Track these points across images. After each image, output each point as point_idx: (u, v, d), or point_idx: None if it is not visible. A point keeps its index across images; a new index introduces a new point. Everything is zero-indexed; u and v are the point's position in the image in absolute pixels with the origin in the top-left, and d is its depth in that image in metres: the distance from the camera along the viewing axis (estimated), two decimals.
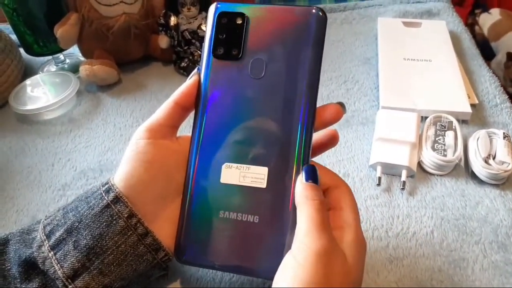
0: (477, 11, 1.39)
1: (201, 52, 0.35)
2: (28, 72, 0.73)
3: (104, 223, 0.31)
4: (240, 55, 0.33)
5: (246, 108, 0.33)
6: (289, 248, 0.29)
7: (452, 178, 0.48)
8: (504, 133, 0.49)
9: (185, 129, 0.36)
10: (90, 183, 0.52)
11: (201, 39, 0.66)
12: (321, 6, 0.84)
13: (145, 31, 0.69)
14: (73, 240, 0.31)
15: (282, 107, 0.32)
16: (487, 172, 0.46)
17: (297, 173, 0.31)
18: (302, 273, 0.27)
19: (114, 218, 0.31)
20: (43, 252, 0.31)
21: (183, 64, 0.68)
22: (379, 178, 0.48)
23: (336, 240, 0.29)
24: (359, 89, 0.63)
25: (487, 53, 1.26)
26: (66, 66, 0.74)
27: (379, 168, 0.48)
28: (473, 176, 0.48)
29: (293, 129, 0.32)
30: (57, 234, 0.32)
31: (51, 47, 0.69)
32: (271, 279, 0.29)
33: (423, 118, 0.54)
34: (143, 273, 0.33)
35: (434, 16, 0.80)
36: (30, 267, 0.32)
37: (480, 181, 0.48)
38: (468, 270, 0.40)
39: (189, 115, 0.35)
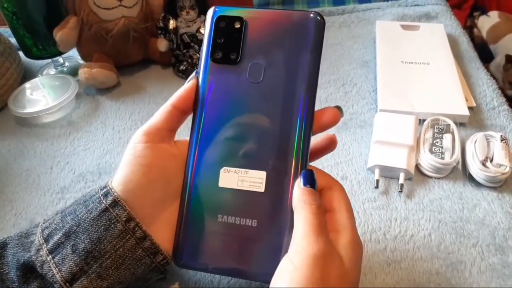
0: (475, 13, 1.39)
1: (199, 55, 0.35)
2: (27, 75, 0.73)
3: (103, 227, 0.31)
4: (239, 59, 0.33)
5: (244, 112, 0.33)
6: (286, 251, 0.29)
7: (450, 181, 0.48)
8: (501, 135, 0.49)
9: (184, 132, 0.36)
10: (88, 186, 0.52)
11: (200, 42, 0.66)
12: (319, 9, 0.84)
13: (144, 35, 0.70)
14: (71, 244, 0.31)
15: (280, 111, 0.32)
16: (484, 175, 0.46)
17: (295, 178, 0.32)
18: (299, 276, 0.27)
19: (112, 221, 0.31)
20: (41, 256, 0.31)
21: (182, 67, 0.68)
22: (377, 181, 0.48)
23: (332, 243, 0.29)
24: (357, 92, 0.63)
25: (486, 56, 1.27)
26: (65, 69, 0.74)
27: (377, 171, 0.48)
28: (471, 178, 0.48)
29: (291, 133, 0.32)
30: (56, 237, 0.32)
31: (50, 50, 0.69)
32: (269, 282, 0.29)
33: (421, 121, 0.54)
34: (141, 277, 0.33)
35: (432, 19, 0.80)
36: (28, 270, 0.32)
37: (477, 184, 0.48)
38: (466, 273, 0.40)
39: (186, 119, 0.35)
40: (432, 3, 0.84)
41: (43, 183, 0.53)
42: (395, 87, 0.60)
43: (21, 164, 0.56)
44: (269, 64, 0.32)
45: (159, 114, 0.34)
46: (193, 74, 0.34)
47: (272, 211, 0.32)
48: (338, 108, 0.33)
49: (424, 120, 0.53)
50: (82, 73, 0.65)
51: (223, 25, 0.33)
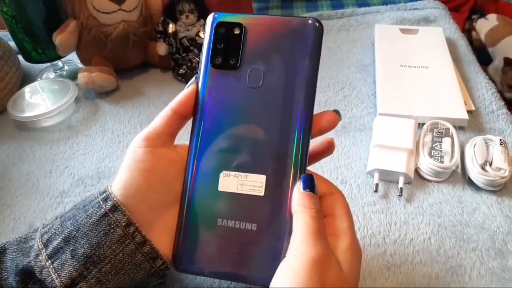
0: (474, 16, 1.40)
1: (199, 59, 0.35)
2: (26, 79, 0.74)
3: (102, 232, 0.31)
4: (238, 64, 0.33)
5: (244, 117, 0.33)
6: (285, 255, 0.29)
7: (449, 185, 0.49)
8: (500, 139, 0.49)
9: (183, 136, 0.36)
10: (88, 190, 0.52)
11: (200, 46, 0.66)
12: (318, 13, 0.84)
13: (143, 38, 0.70)
14: (70, 249, 0.31)
15: (280, 116, 0.32)
16: (484, 179, 0.46)
17: (294, 181, 0.32)
18: (297, 280, 0.27)
19: (112, 226, 0.31)
20: (40, 261, 0.31)
21: (181, 71, 0.68)
22: (377, 185, 0.48)
23: (331, 248, 0.29)
24: (356, 96, 0.63)
25: (484, 59, 1.27)
26: (64, 73, 0.74)
27: (376, 175, 0.48)
28: (470, 182, 0.48)
29: (290, 137, 0.32)
30: (55, 242, 0.32)
31: (50, 54, 0.69)
32: (268, 286, 0.29)
33: (420, 125, 0.54)
34: (140, 282, 0.33)
35: (431, 22, 0.80)
36: (27, 276, 0.31)
37: (477, 188, 0.48)
38: (466, 277, 0.40)
39: (186, 124, 0.35)
40: (430, 7, 0.84)
41: (42, 187, 0.53)
42: (394, 90, 0.60)
43: (20, 168, 0.56)
44: (268, 69, 0.33)
45: (159, 119, 0.34)
46: (193, 79, 0.34)
47: (272, 215, 0.32)
48: (336, 111, 0.34)
49: (423, 124, 0.53)
50: (82, 77, 0.65)
51: (222, 31, 0.34)
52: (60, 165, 0.56)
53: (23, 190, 0.53)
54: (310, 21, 0.32)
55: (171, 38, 0.67)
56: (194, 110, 0.34)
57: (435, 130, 0.52)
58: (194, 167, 0.34)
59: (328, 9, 1.15)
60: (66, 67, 0.75)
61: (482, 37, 1.33)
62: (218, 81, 0.33)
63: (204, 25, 0.34)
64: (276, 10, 1.18)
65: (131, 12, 0.65)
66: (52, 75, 0.74)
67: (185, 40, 0.67)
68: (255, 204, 0.32)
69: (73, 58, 0.75)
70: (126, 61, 0.71)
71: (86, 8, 0.64)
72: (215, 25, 0.34)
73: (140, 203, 0.32)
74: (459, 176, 0.49)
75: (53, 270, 0.31)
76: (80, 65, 0.74)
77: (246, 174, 0.32)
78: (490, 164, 0.47)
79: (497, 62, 1.24)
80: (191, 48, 0.67)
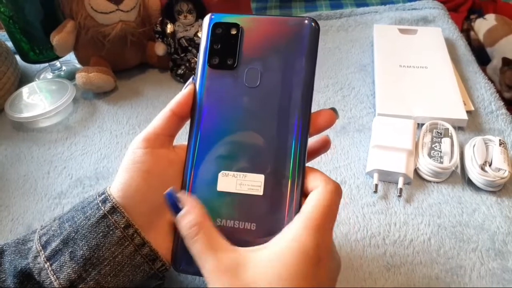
0: (472, 16, 1.40)
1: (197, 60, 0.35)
2: (24, 79, 0.73)
3: (101, 234, 0.31)
4: (235, 64, 0.33)
5: (242, 116, 0.33)
6: None
7: (449, 185, 0.48)
8: (500, 140, 0.49)
9: (182, 136, 0.36)
10: (86, 191, 0.52)
11: (198, 46, 0.66)
12: (317, 13, 0.84)
13: (141, 39, 0.69)
14: (69, 250, 0.31)
15: (278, 115, 0.32)
16: (483, 179, 0.46)
17: (293, 180, 0.32)
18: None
19: (111, 228, 0.31)
20: (38, 263, 0.31)
21: (179, 71, 0.68)
22: (376, 186, 0.48)
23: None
24: (355, 96, 0.63)
25: (483, 59, 1.27)
26: (62, 73, 0.74)
27: (375, 175, 0.48)
28: (470, 183, 0.48)
29: (288, 136, 0.32)
30: (53, 244, 0.31)
31: (47, 55, 0.69)
32: None
33: (419, 125, 0.54)
34: (139, 283, 0.33)
35: (430, 23, 0.80)
36: (26, 278, 0.31)
37: (476, 188, 0.48)
38: (466, 278, 0.40)
39: (185, 124, 0.35)
40: (429, 7, 0.84)
41: (40, 188, 0.52)
42: (393, 91, 0.60)
43: (18, 169, 0.56)
44: (266, 69, 0.33)
45: (158, 119, 0.34)
46: (190, 79, 0.34)
47: (271, 214, 0.32)
48: (333, 110, 0.34)
49: (422, 124, 0.53)
50: (79, 77, 0.65)
51: (219, 32, 0.34)
52: (58, 166, 0.56)
53: (21, 191, 0.52)
54: (306, 21, 0.33)
55: (169, 39, 0.67)
56: (192, 110, 0.34)
57: (434, 130, 0.52)
58: (193, 167, 0.33)
59: (326, 9, 1.14)
60: (64, 68, 0.74)
61: (481, 37, 1.33)
62: (216, 81, 0.34)
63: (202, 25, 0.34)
64: (275, 10, 1.18)
65: (129, 12, 0.65)
66: (49, 75, 0.74)
67: (184, 41, 0.67)
68: (254, 203, 0.32)
69: (71, 58, 0.75)
70: (124, 62, 0.71)
71: (83, 8, 0.63)
72: (212, 25, 0.34)
73: (139, 204, 0.32)
74: (459, 176, 0.49)
75: (51, 272, 0.30)
76: (78, 66, 0.73)
77: (245, 173, 0.32)
78: (490, 165, 0.47)
79: (496, 62, 1.24)
80: (190, 48, 0.67)
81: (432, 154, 0.49)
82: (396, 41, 0.71)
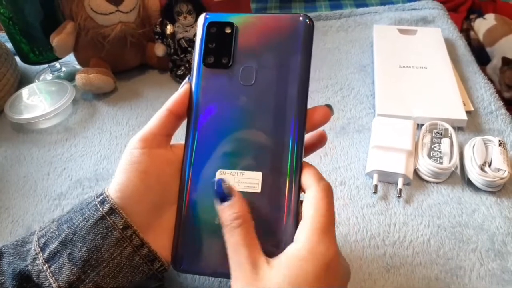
0: (472, 16, 1.40)
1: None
2: (24, 80, 0.73)
3: (99, 235, 0.31)
4: (230, 63, 0.33)
5: (238, 115, 0.33)
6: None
7: (448, 186, 0.48)
8: (499, 140, 0.49)
9: (180, 136, 0.36)
10: (86, 192, 0.52)
11: None
12: (316, 13, 0.84)
13: (141, 40, 0.69)
14: (68, 252, 0.31)
15: (274, 112, 0.33)
16: (483, 180, 0.46)
17: (291, 177, 0.32)
18: None
19: (109, 229, 0.31)
20: (37, 265, 0.31)
21: (179, 72, 0.68)
22: (376, 186, 0.48)
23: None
24: (355, 97, 0.63)
25: (483, 58, 1.27)
26: (62, 74, 0.74)
27: (375, 176, 0.48)
28: (469, 183, 0.48)
29: (285, 133, 0.32)
30: (52, 246, 0.31)
31: (47, 56, 0.69)
32: None
33: (419, 126, 0.54)
34: (139, 284, 0.33)
35: (429, 23, 0.80)
36: (25, 280, 0.31)
37: (476, 189, 0.48)
38: (465, 279, 0.40)
39: (182, 123, 0.35)
40: (429, 7, 0.84)
41: (40, 189, 0.53)
42: (393, 91, 0.60)
43: (18, 170, 0.56)
44: (261, 66, 0.33)
45: (154, 120, 0.34)
46: (186, 79, 0.35)
47: (269, 211, 0.32)
48: (329, 106, 0.34)
49: (422, 125, 0.53)
50: (79, 78, 0.65)
51: (214, 31, 0.34)
52: (58, 167, 0.56)
53: (21, 192, 0.52)
54: (300, 18, 0.33)
55: (169, 39, 0.67)
56: (189, 110, 0.34)
57: (434, 131, 0.52)
58: (190, 166, 0.34)
59: (326, 9, 1.14)
60: (63, 69, 0.74)
61: (480, 37, 1.33)
62: (211, 80, 0.34)
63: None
64: (275, 10, 1.18)
65: (129, 13, 0.65)
66: (49, 76, 0.74)
67: (183, 41, 0.67)
68: (252, 201, 0.32)
69: (70, 59, 0.75)
70: (124, 63, 0.71)
71: (83, 10, 0.63)
72: (206, 25, 0.34)
73: (137, 205, 0.32)
74: (458, 177, 0.49)
75: (50, 274, 0.30)
76: (78, 67, 0.73)
77: (242, 171, 0.32)
78: (489, 165, 0.47)
79: (495, 62, 1.24)
80: (189, 49, 0.67)
81: (431, 155, 0.49)
82: (396, 41, 0.71)
